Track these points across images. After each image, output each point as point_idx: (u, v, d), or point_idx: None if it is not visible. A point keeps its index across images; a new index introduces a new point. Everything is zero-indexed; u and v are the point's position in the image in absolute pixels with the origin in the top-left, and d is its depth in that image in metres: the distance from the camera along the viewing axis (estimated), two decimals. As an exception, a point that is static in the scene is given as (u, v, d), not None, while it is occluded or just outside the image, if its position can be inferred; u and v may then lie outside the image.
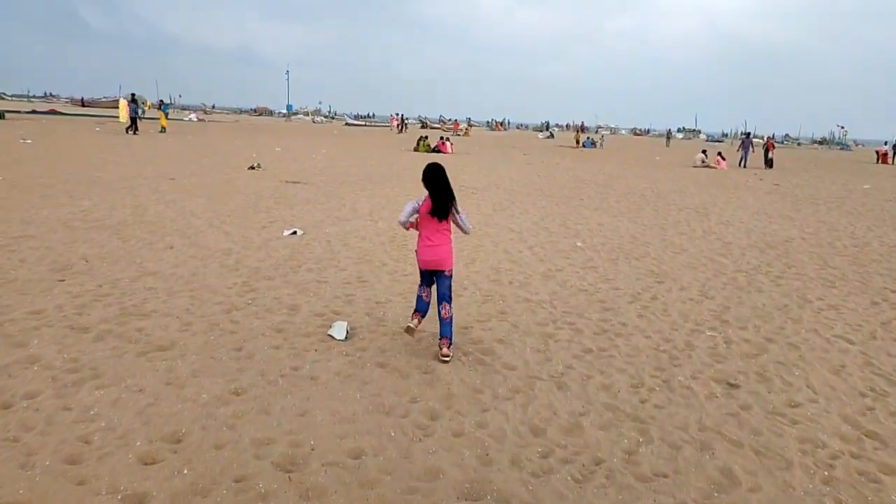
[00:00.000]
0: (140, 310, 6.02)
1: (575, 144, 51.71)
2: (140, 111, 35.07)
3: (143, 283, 6.87)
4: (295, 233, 9.86)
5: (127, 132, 32.26)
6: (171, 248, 8.57)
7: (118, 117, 37.10)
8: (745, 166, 32.70)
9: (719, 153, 34.16)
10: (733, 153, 40.03)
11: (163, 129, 36.11)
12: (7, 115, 39.45)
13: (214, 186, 14.83)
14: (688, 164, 34.46)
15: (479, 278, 7.92)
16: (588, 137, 56.25)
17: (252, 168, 19.11)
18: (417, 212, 5.24)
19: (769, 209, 16.37)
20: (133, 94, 35.28)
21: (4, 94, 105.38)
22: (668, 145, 58.17)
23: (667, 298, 7.47)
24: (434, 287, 5.42)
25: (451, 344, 5.32)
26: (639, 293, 7.63)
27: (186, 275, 7.30)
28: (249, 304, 6.40)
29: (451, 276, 5.38)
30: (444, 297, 5.32)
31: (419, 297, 5.46)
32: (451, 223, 5.31)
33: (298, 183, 16.41)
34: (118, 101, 44.94)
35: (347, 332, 5.65)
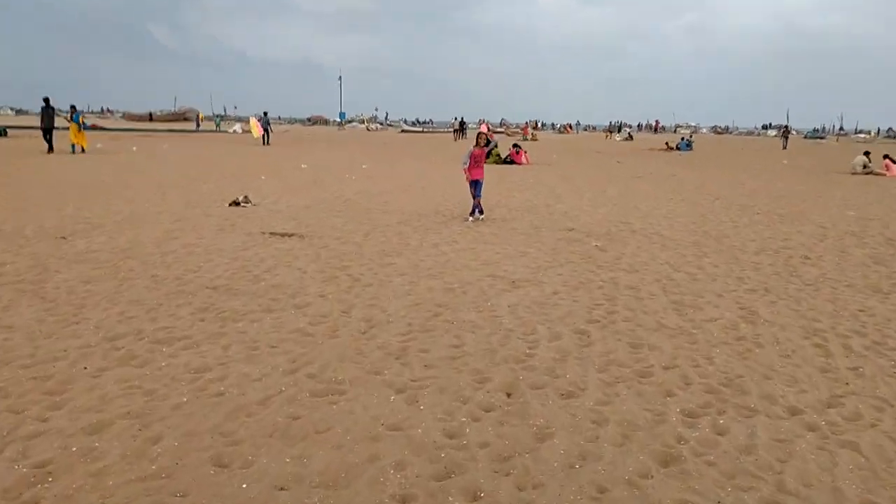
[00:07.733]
0: None
1: (665, 147, 43.50)
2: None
3: None
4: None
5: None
6: None
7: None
8: None
9: (887, 156, 25.66)
10: None
11: (75, 149, 23.89)
12: (10, 131, 34.20)
13: (114, 258, 7.90)
14: (836, 170, 26.33)
15: None
16: (683, 138, 47.80)
17: (236, 203, 12.28)
18: (471, 154, 10.90)
19: None
20: (47, 99, 24.10)
21: (60, 110, 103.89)
22: (785, 146, 48.36)
23: None
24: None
25: (481, 212, 11.20)
26: None
27: None
28: None
29: (482, 183, 11.09)
30: (479, 195, 11.05)
31: (474, 206, 11.09)
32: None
33: (292, 236, 9.45)
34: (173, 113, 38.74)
35: None
